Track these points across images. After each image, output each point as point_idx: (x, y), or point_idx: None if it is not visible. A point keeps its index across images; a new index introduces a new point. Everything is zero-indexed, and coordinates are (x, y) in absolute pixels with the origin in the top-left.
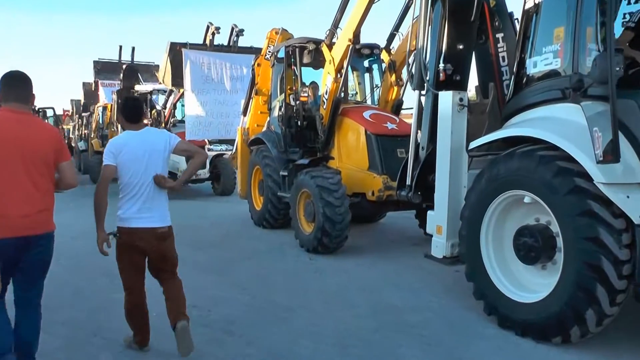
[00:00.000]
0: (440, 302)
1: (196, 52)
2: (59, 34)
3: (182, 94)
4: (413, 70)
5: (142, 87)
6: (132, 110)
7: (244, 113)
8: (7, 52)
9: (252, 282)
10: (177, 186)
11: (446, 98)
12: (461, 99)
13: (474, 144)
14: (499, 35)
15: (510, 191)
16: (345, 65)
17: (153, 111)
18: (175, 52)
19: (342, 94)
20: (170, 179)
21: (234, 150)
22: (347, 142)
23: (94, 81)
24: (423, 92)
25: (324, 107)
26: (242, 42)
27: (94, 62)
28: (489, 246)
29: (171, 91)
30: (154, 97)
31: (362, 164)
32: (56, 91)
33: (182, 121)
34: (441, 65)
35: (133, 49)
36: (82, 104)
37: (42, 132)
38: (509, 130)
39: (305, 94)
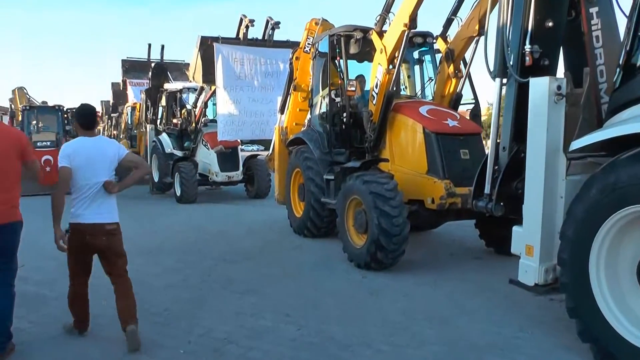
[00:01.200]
0: (530, 339)
1: (229, 46)
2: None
3: (214, 91)
4: (488, 56)
5: (171, 86)
6: (86, 118)
7: (282, 111)
8: (33, 52)
9: (298, 306)
10: (117, 189)
11: (540, 86)
12: (559, 87)
13: (578, 144)
14: (593, 10)
15: (636, 206)
16: (399, 55)
17: (183, 110)
18: (207, 46)
19: (395, 88)
20: (117, 185)
21: (270, 151)
22: (401, 141)
23: (122, 80)
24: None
25: (374, 102)
26: (278, 35)
27: (122, 61)
28: (601, 275)
29: (202, 89)
30: (184, 95)
31: (419, 166)
32: (86, 93)
33: (213, 120)
34: (527, 47)
35: (162, 47)
36: (111, 104)
37: (6, 135)
38: (632, 126)
39: (353, 88)
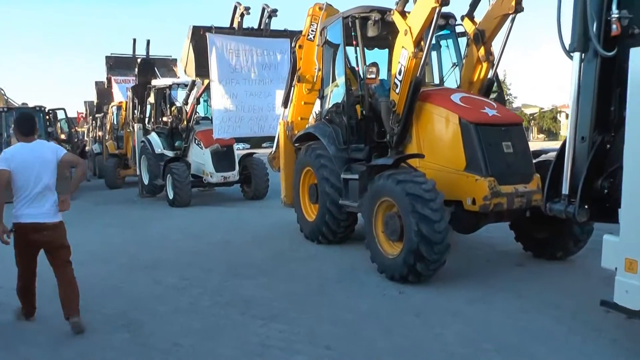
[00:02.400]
0: None
1: (222, 36)
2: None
3: (207, 86)
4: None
5: (159, 82)
6: (25, 125)
7: (285, 104)
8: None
9: (336, 336)
10: (68, 204)
11: None
12: None
13: None
14: None
15: None
16: (430, 35)
17: (173, 108)
18: (199, 37)
19: (423, 74)
20: (68, 202)
21: (274, 148)
22: (432, 134)
23: (107, 78)
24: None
25: (397, 90)
26: (275, 24)
27: (106, 57)
28: None
29: (193, 83)
30: (173, 92)
31: (455, 162)
32: (70, 93)
33: (205, 118)
34: (614, 13)
35: (148, 42)
36: (95, 104)
37: None
38: None
39: (373, 75)
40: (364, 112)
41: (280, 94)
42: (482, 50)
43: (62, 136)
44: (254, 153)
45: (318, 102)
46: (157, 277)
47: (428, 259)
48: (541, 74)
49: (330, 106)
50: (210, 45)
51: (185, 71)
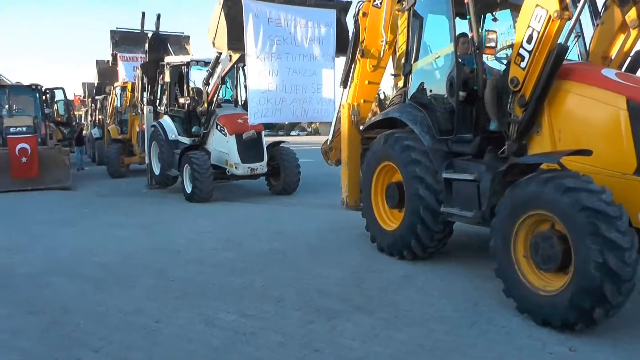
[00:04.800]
0: None
1: (261, 3)
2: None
3: (235, 62)
4: None
5: (175, 58)
6: None
7: (345, 84)
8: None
9: None
10: None
11: None
12: None
13: None
14: None
15: None
16: None
17: (191, 89)
18: (232, 3)
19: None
20: None
21: (330, 137)
22: (579, 123)
23: (112, 54)
24: None
25: (523, 64)
26: None
27: (111, 32)
28: None
29: (217, 59)
30: (192, 69)
31: (620, 162)
32: (67, 75)
33: (227, 101)
34: None
35: (158, 16)
36: (95, 85)
37: None
38: None
39: (493, 44)
40: (478, 93)
41: (327, 73)
42: (632, 13)
43: (59, 119)
44: (283, 141)
45: (388, 81)
46: (205, 311)
47: (611, 302)
48: None
49: (423, 85)
50: (246, 13)
51: (213, 44)
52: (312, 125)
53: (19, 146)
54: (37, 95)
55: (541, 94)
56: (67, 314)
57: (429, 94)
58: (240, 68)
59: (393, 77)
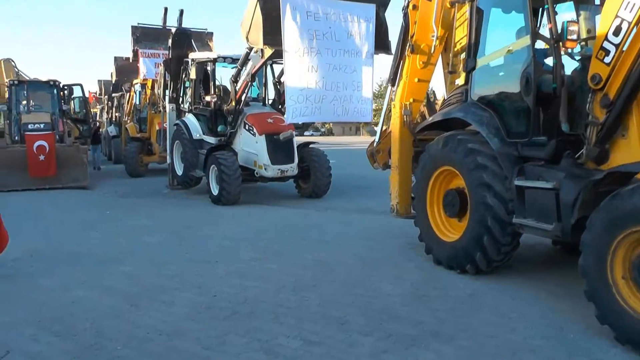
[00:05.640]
0: None
1: None
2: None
3: (268, 59)
4: None
5: (200, 55)
6: None
7: (393, 82)
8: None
9: None
10: None
11: None
12: None
13: None
14: None
15: None
16: None
17: (216, 86)
18: None
19: None
20: None
21: (376, 139)
22: None
23: (133, 50)
24: None
25: (607, 59)
26: None
27: (133, 27)
28: None
29: (247, 55)
30: (218, 66)
31: None
32: (83, 73)
33: (255, 99)
34: None
35: (181, 12)
36: (112, 82)
37: None
38: None
39: (574, 35)
40: (556, 91)
41: (366, 71)
42: None
43: (75, 116)
44: (313, 142)
45: (437, 79)
46: (262, 336)
47: None
48: None
49: (485, 82)
50: (283, 6)
51: (247, 38)
52: (326, 125)
53: (37, 143)
54: (55, 91)
55: (631, 93)
56: (100, 337)
57: (496, 92)
58: (269, 65)
59: (449, 74)
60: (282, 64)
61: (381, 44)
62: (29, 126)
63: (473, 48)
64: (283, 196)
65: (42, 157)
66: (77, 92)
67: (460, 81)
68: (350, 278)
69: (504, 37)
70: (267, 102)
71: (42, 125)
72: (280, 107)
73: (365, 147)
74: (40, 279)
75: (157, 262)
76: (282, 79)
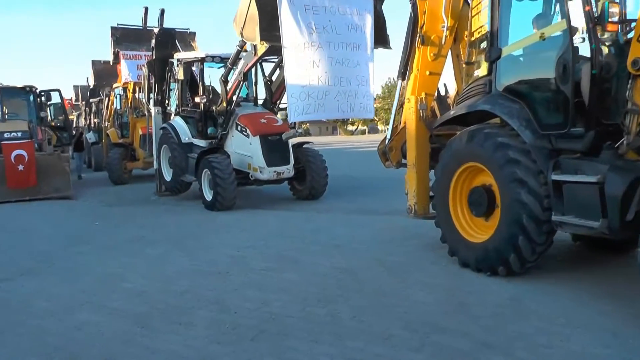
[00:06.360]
0: None
1: None
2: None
3: (261, 56)
4: None
5: (187, 54)
6: None
7: (403, 76)
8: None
9: None
10: None
11: None
12: None
13: None
14: None
15: None
16: None
17: (204, 87)
18: None
19: None
20: None
21: (388, 136)
22: None
23: (114, 52)
24: None
25: None
26: None
27: (112, 28)
28: None
29: (238, 53)
30: (205, 66)
31: None
32: (62, 76)
33: (246, 99)
34: None
35: (162, 11)
36: (90, 87)
37: None
38: None
39: (615, 17)
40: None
41: (369, 66)
42: None
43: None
44: (307, 142)
45: (447, 72)
46: (301, 357)
47: None
48: None
49: (513, 71)
50: (279, 0)
51: (241, 34)
52: (303, 125)
53: (14, 153)
54: (32, 97)
55: None
56: None
57: (527, 81)
58: (259, 63)
59: (465, 65)
60: (273, 61)
61: (380, 37)
62: (5, 135)
63: (496, 36)
64: (278, 199)
65: (21, 167)
66: (55, 98)
67: (480, 72)
68: (378, 286)
69: (531, 24)
70: (258, 102)
71: (19, 134)
72: (272, 106)
73: (343, 147)
74: (36, 301)
75: (162, 276)
76: (273, 78)
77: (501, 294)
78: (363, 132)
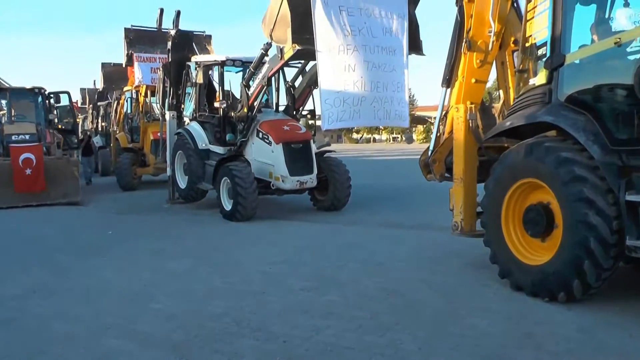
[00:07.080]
0: None
1: None
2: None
3: (288, 60)
4: None
5: (206, 57)
6: None
7: (448, 83)
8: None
9: None
10: None
11: None
12: None
13: None
14: None
15: None
16: None
17: (225, 92)
18: None
19: None
20: None
21: (431, 146)
22: None
23: (128, 54)
24: None
25: None
26: None
27: (126, 30)
28: None
29: (262, 57)
30: (226, 70)
31: None
32: (71, 78)
33: (267, 105)
34: None
35: (178, 12)
36: (98, 90)
37: None
38: None
39: None
40: None
41: (404, 71)
42: None
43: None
44: (330, 151)
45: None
46: None
47: None
48: None
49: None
50: (313, 2)
51: (270, 36)
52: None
53: (23, 156)
54: (40, 99)
55: None
56: None
57: (596, 91)
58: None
59: (517, 73)
60: (295, 66)
61: (412, 43)
62: (13, 137)
63: (558, 42)
64: (297, 209)
65: (28, 171)
66: (64, 100)
67: (537, 80)
68: (434, 312)
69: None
70: (279, 109)
71: (27, 137)
72: (295, 113)
73: (351, 155)
74: (54, 323)
75: (194, 296)
76: (295, 83)
77: (567, 325)
78: (368, 141)
